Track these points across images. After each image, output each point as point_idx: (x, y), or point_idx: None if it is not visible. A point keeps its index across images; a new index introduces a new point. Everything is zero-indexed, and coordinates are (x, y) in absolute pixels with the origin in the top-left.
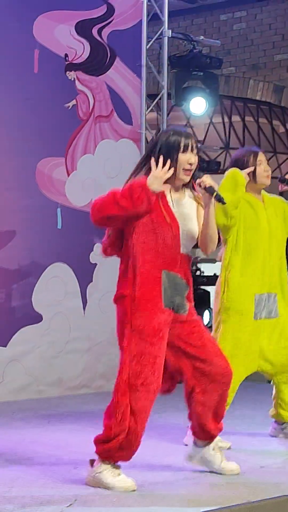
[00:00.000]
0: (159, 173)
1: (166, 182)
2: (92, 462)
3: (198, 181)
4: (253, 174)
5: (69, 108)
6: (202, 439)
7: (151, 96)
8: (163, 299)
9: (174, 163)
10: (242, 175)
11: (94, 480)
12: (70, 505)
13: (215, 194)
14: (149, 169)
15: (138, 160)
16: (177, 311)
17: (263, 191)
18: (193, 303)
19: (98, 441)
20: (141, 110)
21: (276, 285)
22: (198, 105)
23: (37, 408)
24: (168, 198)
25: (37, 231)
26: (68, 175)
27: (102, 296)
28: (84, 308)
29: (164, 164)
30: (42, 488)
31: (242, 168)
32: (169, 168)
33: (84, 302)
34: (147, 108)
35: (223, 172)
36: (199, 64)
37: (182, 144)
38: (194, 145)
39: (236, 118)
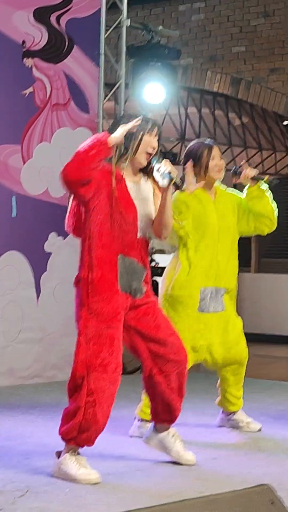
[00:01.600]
0: (128, 125)
1: (123, 163)
2: (58, 454)
3: (157, 166)
4: (205, 168)
5: (26, 95)
6: (163, 423)
7: (108, 85)
8: (119, 283)
9: (137, 143)
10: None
11: (59, 471)
12: (22, 495)
13: (173, 181)
14: None
15: None
16: (135, 295)
17: (217, 185)
18: (150, 285)
19: (61, 425)
20: (99, 99)
21: (226, 281)
22: (155, 94)
23: None
24: (127, 182)
25: None
26: (24, 163)
27: (56, 285)
28: (37, 298)
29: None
30: None
31: (196, 161)
32: (133, 149)
33: (38, 292)
34: (105, 97)
35: (178, 163)
36: (157, 54)
37: (148, 125)
38: (158, 132)
39: (192, 110)
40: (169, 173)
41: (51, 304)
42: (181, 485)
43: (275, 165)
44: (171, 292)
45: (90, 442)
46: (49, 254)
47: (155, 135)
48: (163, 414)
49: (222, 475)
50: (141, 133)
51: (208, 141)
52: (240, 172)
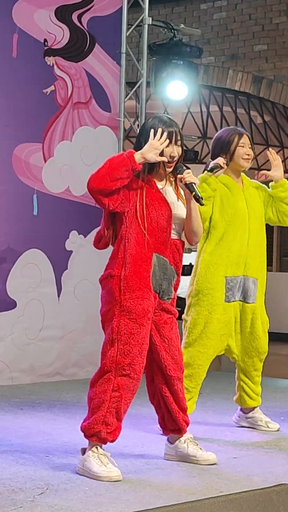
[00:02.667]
0: (155, 143)
1: (150, 173)
2: (83, 450)
3: (179, 176)
4: (232, 154)
5: (47, 93)
6: (172, 433)
7: (130, 84)
8: (151, 281)
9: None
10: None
11: (82, 468)
12: (41, 493)
13: (193, 193)
14: None
15: (115, 147)
16: (162, 297)
17: (243, 175)
18: (175, 295)
19: (84, 420)
20: (120, 97)
21: (256, 270)
22: (178, 91)
23: (9, 395)
24: (158, 185)
25: (13, 217)
26: (45, 161)
27: (77, 283)
28: (58, 296)
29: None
30: (14, 475)
31: (223, 147)
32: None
33: (59, 290)
34: (126, 96)
35: (200, 162)
36: (179, 52)
37: (164, 138)
38: (178, 136)
39: (214, 108)
40: (191, 184)
41: (72, 302)
42: (201, 484)
43: None
44: (195, 287)
45: (112, 437)
46: (70, 252)
47: (175, 142)
48: (170, 424)
49: (242, 475)
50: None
51: (239, 129)
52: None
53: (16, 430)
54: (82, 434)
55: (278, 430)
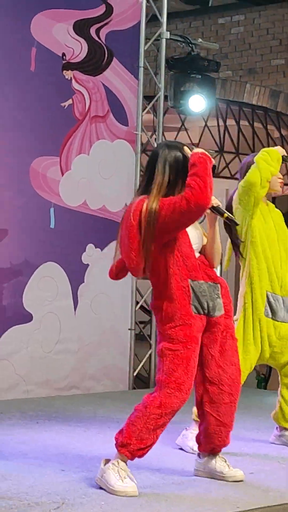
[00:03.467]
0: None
1: (170, 195)
2: (106, 461)
3: None
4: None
5: (65, 107)
6: (204, 451)
7: (147, 98)
8: (192, 308)
9: (183, 176)
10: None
11: (101, 479)
12: (57, 507)
13: (225, 215)
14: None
15: (132, 161)
16: (211, 313)
17: (270, 204)
18: (229, 299)
19: (120, 431)
20: (137, 111)
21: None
22: (197, 104)
23: (25, 408)
24: None
25: (30, 230)
26: (63, 174)
27: (94, 297)
28: (75, 309)
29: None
30: (30, 489)
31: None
32: (178, 182)
33: (75, 303)
34: (143, 110)
35: (217, 176)
36: (197, 67)
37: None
38: None
39: (231, 122)
40: (219, 207)
41: (88, 315)
42: (217, 499)
43: None
44: (246, 301)
45: (142, 452)
46: (87, 265)
47: None
48: (206, 445)
49: (258, 490)
50: (183, 169)
51: None
52: None
53: (31, 444)
54: (114, 442)
55: None
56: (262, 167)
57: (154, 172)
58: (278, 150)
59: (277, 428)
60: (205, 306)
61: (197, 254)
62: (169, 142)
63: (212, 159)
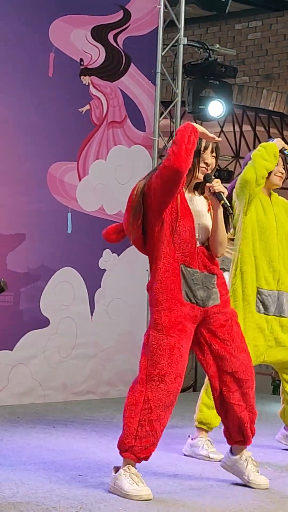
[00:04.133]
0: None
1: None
2: (116, 469)
3: (208, 185)
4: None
5: (83, 112)
6: (237, 444)
7: (164, 103)
8: (182, 293)
9: (196, 162)
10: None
11: (114, 487)
12: None
13: (222, 202)
14: None
15: (149, 166)
16: (205, 304)
17: (274, 194)
18: (226, 290)
19: (120, 437)
20: (154, 117)
21: (286, 284)
22: (216, 109)
23: (42, 413)
24: (185, 194)
25: (47, 235)
26: (80, 180)
27: (110, 302)
28: (91, 314)
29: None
30: (47, 494)
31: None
32: (195, 166)
33: (92, 308)
34: (160, 115)
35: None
36: (214, 72)
37: (202, 144)
38: (214, 148)
39: (247, 128)
40: (220, 193)
41: (105, 321)
42: (234, 506)
43: None
44: (236, 292)
45: (146, 452)
46: (104, 270)
47: (210, 152)
48: (236, 436)
49: (276, 497)
50: (197, 154)
51: None
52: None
53: (49, 448)
54: (118, 451)
55: None
56: (257, 164)
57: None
58: (277, 143)
59: (285, 427)
60: (198, 295)
61: (198, 244)
62: None
63: (200, 129)
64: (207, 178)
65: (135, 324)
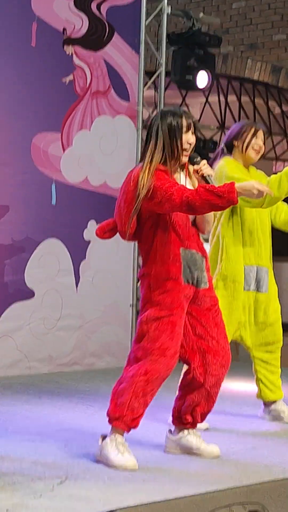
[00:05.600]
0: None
1: (166, 164)
2: (103, 437)
3: (195, 167)
4: (246, 145)
5: (66, 83)
6: (183, 425)
7: (148, 73)
8: (182, 276)
9: (179, 145)
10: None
11: (100, 455)
12: (61, 482)
13: (208, 184)
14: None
15: (134, 137)
16: (198, 285)
17: (251, 167)
18: (210, 274)
19: (110, 405)
20: (139, 87)
21: (267, 260)
22: (202, 79)
23: (28, 384)
24: (176, 177)
25: (31, 207)
26: (64, 150)
27: (95, 273)
28: (76, 285)
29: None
30: (33, 464)
31: (238, 136)
32: (173, 150)
33: (77, 279)
34: (145, 85)
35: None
36: (198, 42)
37: (184, 124)
38: (194, 125)
39: (232, 98)
40: (209, 176)
41: (90, 292)
42: (220, 474)
43: None
44: (224, 272)
45: (135, 423)
46: (88, 242)
47: (192, 131)
48: (186, 416)
49: (261, 465)
50: (179, 136)
51: (256, 123)
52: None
53: (34, 419)
54: (107, 419)
55: None
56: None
57: (149, 141)
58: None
59: (264, 403)
60: (195, 276)
61: (193, 224)
62: (166, 108)
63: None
64: (193, 160)
65: (120, 295)
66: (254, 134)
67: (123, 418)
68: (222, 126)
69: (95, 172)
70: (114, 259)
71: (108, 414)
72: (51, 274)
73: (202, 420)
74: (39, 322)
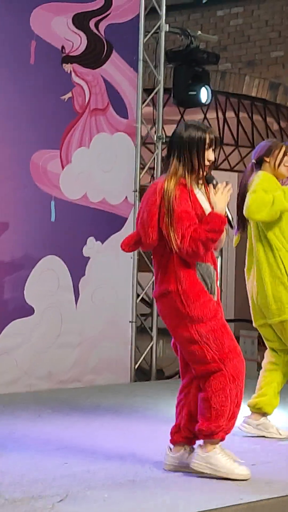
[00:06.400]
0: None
1: (185, 177)
2: (202, 447)
3: (213, 190)
4: (279, 162)
5: (65, 100)
6: (182, 441)
7: (147, 90)
8: (206, 288)
9: (201, 160)
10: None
11: (206, 466)
12: (61, 500)
13: (225, 214)
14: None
15: (132, 154)
16: (215, 297)
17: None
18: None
19: (203, 421)
20: (137, 104)
21: None
22: (205, 95)
23: (28, 401)
24: (196, 193)
25: (31, 224)
26: (63, 167)
27: (95, 290)
28: (76, 302)
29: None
30: (33, 482)
31: (269, 153)
32: (194, 164)
33: (76, 296)
34: (143, 102)
35: (216, 168)
36: (196, 59)
37: (208, 141)
38: (216, 142)
39: (230, 114)
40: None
41: (89, 308)
42: (219, 491)
43: None
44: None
45: (232, 426)
46: (88, 258)
47: (213, 149)
48: (185, 432)
49: (261, 482)
50: (202, 151)
51: (286, 143)
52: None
53: (34, 437)
54: (201, 434)
55: None
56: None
57: (172, 153)
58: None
59: (249, 416)
60: (210, 287)
61: None
62: (190, 121)
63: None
64: (211, 181)
65: (120, 311)
66: (286, 152)
67: (224, 429)
68: (221, 143)
69: (94, 188)
70: (114, 275)
71: (205, 429)
72: (50, 291)
73: (198, 436)
74: (39, 339)
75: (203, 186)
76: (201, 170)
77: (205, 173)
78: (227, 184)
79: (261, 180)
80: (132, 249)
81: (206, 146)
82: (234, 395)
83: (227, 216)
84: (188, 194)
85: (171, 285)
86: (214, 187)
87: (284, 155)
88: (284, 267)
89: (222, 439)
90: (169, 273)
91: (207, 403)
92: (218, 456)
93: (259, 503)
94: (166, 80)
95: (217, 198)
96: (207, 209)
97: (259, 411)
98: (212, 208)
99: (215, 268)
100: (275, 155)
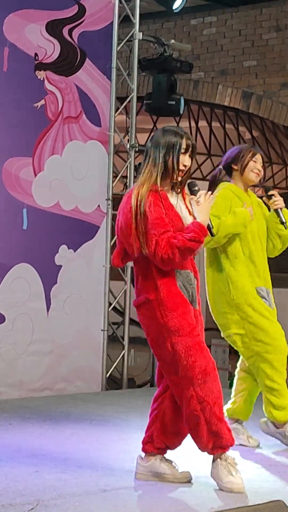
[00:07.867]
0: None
1: (161, 183)
2: (214, 457)
3: (193, 198)
4: (244, 167)
5: (38, 108)
6: (155, 451)
7: (120, 99)
8: (186, 296)
9: (175, 164)
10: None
11: (216, 475)
12: (32, 509)
13: (207, 225)
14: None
15: (105, 162)
16: (194, 305)
17: (250, 191)
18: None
19: (200, 443)
20: (110, 112)
21: (268, 281)
22: (182, 104)
23: None
24: (171, 199)
25: (2, 231)
26: (35, 175)
27: (67, 298)
28: (47, 310)
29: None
30: (3, 491)
31: (237, 159)
32: (168, 168)
33: (48, 304)
34: (116, 111)
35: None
36: (170, 68)
37: (184, 146)
38: (193, 148)
39: (203, 123)
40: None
41: (61, 317)
42: (191, 501)
43: (286, 179)
44: (235, 300)
45: (229, 439)
46: (60, 266)
47: (189, 154)
48: (158, 443)
49: (250, 489)
50: (177, 156)
51: (255, 147)
52: (269, 195)
53: (5, 445)
54: (207, 451)
55: (258, 446)
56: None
57: (148, 157)
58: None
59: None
60: (191, 295)
61: None
62: (167, 127)
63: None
64: (192, 188)
65: (91, 320)
66: (253, 157)
67: (218, 444)
68: None
69: (66, 196)
70: (86, 284)
71: (205, 451)
72: (22, 299)
73: (171, 446)
74: (9, 347)
75: (181, 193)
76: (175, 175)
77: (179, 179)
78: (209, 193)
79: (214, 203)
80: (124, 262)
81: (182, 150)
82: (208, 414)
83: (209, 226)
84: (160, 200)
85: (150, 293)
86: (196, 193)
87: (251, 159)
88: (231, 284)
89: (227, 450)
90: (149, 281)
91: (187, 423)
92: (219, 468)
93: (245, 509)
94: (139, 88)
95: (201, 208)
96: (185, 216)
97: (232, 417)
98: (194, 217)
99: (196, 276)
100: (242, 160)
